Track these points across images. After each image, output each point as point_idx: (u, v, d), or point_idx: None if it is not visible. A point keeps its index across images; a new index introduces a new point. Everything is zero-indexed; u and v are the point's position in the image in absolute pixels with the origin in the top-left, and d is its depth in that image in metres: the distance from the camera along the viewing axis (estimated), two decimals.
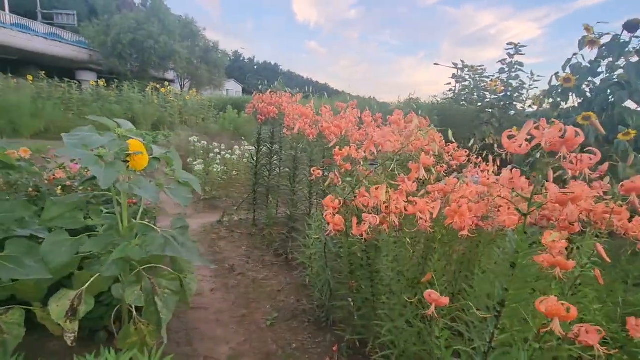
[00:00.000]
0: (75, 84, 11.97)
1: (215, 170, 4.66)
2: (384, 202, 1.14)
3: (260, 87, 4.22)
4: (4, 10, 19.53)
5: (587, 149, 0.90)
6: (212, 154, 4.85)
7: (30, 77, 11.55)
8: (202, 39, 25.10)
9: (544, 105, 3.53)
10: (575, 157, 0.84)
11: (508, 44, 6.32)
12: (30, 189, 1.91)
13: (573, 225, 1.43)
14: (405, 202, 1.22)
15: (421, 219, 1.23)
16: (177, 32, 22.23)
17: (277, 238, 3.10)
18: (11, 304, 1.38)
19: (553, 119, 0.97)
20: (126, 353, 1.18)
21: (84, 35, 21.64)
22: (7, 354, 1.19)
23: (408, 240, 1.26)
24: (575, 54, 3.11)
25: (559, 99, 3.46)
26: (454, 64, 7.70)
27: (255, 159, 3.43)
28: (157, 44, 20.59)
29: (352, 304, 1.67)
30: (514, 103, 6.88)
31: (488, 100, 6.95)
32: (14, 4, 26.18)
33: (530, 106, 5.58)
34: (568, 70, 3.18)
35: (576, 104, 3.26)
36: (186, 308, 2.16)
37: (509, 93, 6.92)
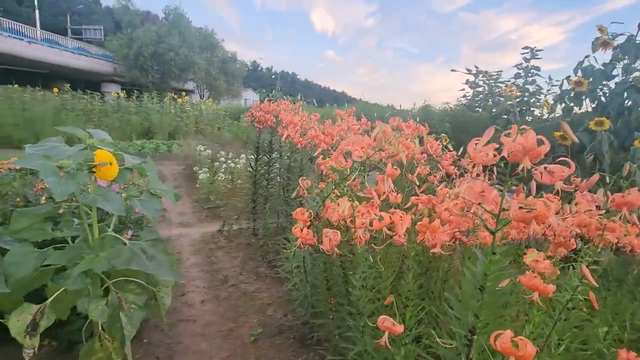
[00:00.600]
0: (98, 95, 12.44)
1: (219, 179, 4.66)
2: (348, 217, 1.06)
3: (269, 95, 4.23)
4: (35, 26, 20.64)
5: (560, 158, 0.80)
6: (217, 163, 4.86)
7: (56, 90, 12.10)
8: (221, 50, 25.73)
9: (556, 111, 3.35)
10: (544, 168, 0.73)
11: (524, 48, 6.09)
12: (18, 199, 1.93)
13: (569, 242, 1.31)
14: (377, 215, 1.14)
15: (394, 234, 1.14)
16: (197, 44, 22.89)
17: (272, 249, 3.04)
18: None
19: (525, 127, 0.87)
20: None
21: (108, 49, 22.61)
22: None
23: (372, 257, 1.17)
24: (587, 56, 2.95)
25: (572, 104, 3.28)
26: (467, 69, 7.50)
27: (254, 167, 3.40)
28: (177, 55, 21.25)
29: (332, 321, 1.58)
30: (532, 109, 6.61)
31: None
32: (50, 21, 27.77)
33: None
34: (580, 73, 3.01)
35: (590, 109, 3.08)
36: (160, 322, 2.11)
37: (525, 98, 6.65)
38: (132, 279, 1.58)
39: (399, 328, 0.85)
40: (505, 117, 6.73)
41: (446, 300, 1.07)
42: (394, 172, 1.11)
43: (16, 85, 11.96)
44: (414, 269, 1.17)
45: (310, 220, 1.34)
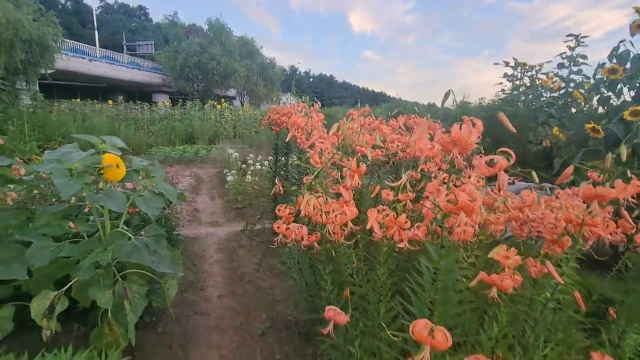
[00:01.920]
0: (147, 105, 13.44)
1: (247, 180, 4.85)
2: (315, 212, 1.09)
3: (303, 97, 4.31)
4: (95, 45, 22.75)
5: (500, 149, 0.77)
6: (245, 165, 5.06)
7: (110, 102, 13.28)
8: (260, 56, 26.55)
9: (592, 101, 3.08)
10: (478, 158, 0.72)
11: (567, 35, 5.62)
12: (54, 199, 2.18)
13: (561, 239, 1.23)
14: (347, 210, 1.15)
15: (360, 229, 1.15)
16: (237, 52, 23.83)
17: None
18: (17, 299, 1.58)
19: (470, 118, 0.85)
20: (80, 355, 1.27)
21: (158, 62, 24.28)
22: None
23: (350, 252, 1.18)
24: (622, 41, 2.69)
25: (610, 93, 3.01)
26: (504, 62, 7.10)
27: (273, 169, 3.51)
28: (219, 64, 22.28)
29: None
30: (578, 100, 6.08)
31: (544, 99, 6.26)
32: (108, 40, 30.52)
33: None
34: (615, 60, 2.75)
35: (630, 99, 2.80)
36: (166, 309, 2.23)
37: (570, 89, 6.12)
38: (141, 271, 1.72)
39: (343, 318, 0.87)
40: (546, 110, 6.26)
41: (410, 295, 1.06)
42: (361, 168, 1.12)
43: (78, 100, 13.33)
44: (387, 264, 1.17)
45: (294, 217, 1.38)
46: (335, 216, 1.08)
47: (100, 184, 1.52)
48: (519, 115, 6.21)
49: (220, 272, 3.04)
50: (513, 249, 0.97)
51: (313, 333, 2.06)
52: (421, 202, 1.10)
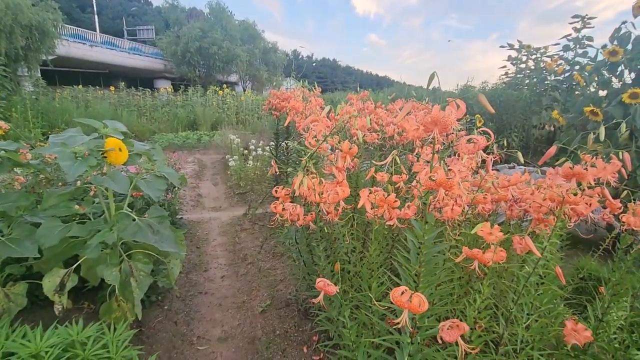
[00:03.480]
0: (149, 92, 13.43)
1: (250, 165, 4.90)
2: (308, 192, 1.14)
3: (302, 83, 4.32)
4: (95, 31, 22.54)
5: (480, 129, 0.81)
6: (247, 151, 5.10)
7: (112, 89, 13.28)
8: (262, 41, 26.18)
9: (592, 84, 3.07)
10: (469, 138, 0.76)
11: (573, 16, 5.50)
12: (60, 183, 2.25)
13: (547, 217, 1.28)
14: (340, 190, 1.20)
15: (350, 208, 1.20)
16: (238, 37, 23.51)
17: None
18: (28, 279, 1.67)
19: (455, 100, 0.89)
20: (91, 327, 1.35)
21: (159, 47, 24.04)
22: (10, 317, 1.45)
23: (345, 231, 1.24)
24: (624, 22, 2.66)
25: (611, 76, 3.00)
26: (509, 44, 7.00)
27: (274, 153, 3.55)
28: (221, 49, 22.01)
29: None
30: (585, 84, 6.01)
31: (548, 82, 6.19)
32: (108, 25, 30.22)
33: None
34: (616, 42, 2.73)
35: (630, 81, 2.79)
36: (169, 286, 2.33)
37: (575, 72, 6.02)
38: (146, 251, 1.79)
39: (333, 288, 0.93)
40: (551, 94, 6.19)
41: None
42: (352, 150, 1.16)
43: (80, 86, 13.33)
44: (378, 241, 1.22)
45: (290, 198, 1.44)
46: (328, 195, 1.13)
47: (105, 166, 1.58)
48: (523, 99, 6.17)
49: (223, 254, 3.13)
50: (497, 225, 1.02)
51: (312, 310, 2.15)
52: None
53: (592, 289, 1.70)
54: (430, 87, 0.90)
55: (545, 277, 1.21)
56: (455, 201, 1.20)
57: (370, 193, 1.22)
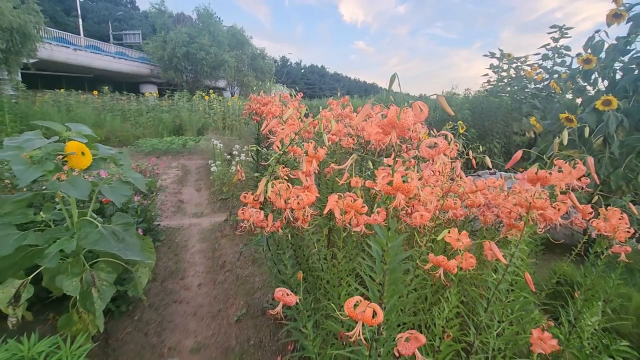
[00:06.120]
0: (134, 96, 13.22)
1: (233, 170, 4.83)
2: (273, 197, 1.10)
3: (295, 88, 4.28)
4: (79, 34, 22.19)
5: (440, 132, 0.79)
6: (230, 156, 5.03)
7: (95, 92, 13.04)
8: (250, 47, 26.17)
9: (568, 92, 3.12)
10: (430, 142, 0.73)
11: (551, 27, 5.64)
12: (24, 189, 2.15)
13: (518, 223, 1.26)
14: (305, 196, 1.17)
15: (315, 214, 1.17)
16: (226, 42, 23.46)
17: None
18: None
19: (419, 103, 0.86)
20: (42, 342, 1.27)
21: (145, 52, 23.79)
22: None
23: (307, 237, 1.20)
24: (597, 31, 2.71)
25: (586, 84, 3.05)
26: (490, 53, 7.13)
27: (255, 159, 3.50)
28: (208, 54, 21.91)
29: None
30: (561, 92, 6.15)
31: (528, 90, 6.32)
32: (94, 29, 29.79)
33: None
34: (589, 50, 2.78)
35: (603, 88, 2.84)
36: (138, 295, 2.26)
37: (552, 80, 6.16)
38: (112, 260, 1.72)
39: (293, 298, 0.89)
40: (531, 102, 6.31)
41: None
42: (318, 154, 1.13)
43: (62, 90, 13.03)
44: (346, 249, 1.19)
45: (260, 203, 1.39)
46: (294, 201, 1.09)
47: (64, 172, 1.51)
48: (504, 106, 6.27)
49: (202, 261, 3.05)
50: (464, 232, 1.00)
51: (287, 318, 2.10)
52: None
53: (567, 293, 1.70)
54: (423, 94, 0.87)
55: (515, 284, 1.19)
56: (425, 206, 1.18)
57: (340, 198, 1.19)
